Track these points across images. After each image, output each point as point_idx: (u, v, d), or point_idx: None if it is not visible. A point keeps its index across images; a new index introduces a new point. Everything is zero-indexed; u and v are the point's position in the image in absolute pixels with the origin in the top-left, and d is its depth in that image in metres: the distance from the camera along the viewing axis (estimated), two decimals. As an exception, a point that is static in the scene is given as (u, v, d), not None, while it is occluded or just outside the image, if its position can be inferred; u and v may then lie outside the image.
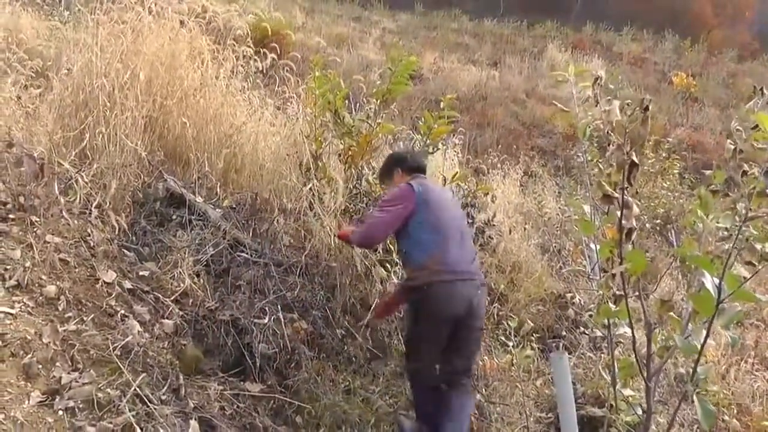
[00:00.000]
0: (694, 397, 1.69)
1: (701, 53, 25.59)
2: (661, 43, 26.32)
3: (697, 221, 1.87)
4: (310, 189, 4.77)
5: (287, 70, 5.90)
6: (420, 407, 3.93)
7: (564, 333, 5.83)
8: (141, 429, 2.72)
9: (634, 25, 27.35)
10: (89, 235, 3.82)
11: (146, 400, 2.91)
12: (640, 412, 2.05)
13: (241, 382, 3.72)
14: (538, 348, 5.10)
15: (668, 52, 25.55)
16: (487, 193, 7.07)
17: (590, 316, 5.80)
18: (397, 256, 4.64)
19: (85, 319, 3.22)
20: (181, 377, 3.31)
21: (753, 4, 30.98)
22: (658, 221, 9.63)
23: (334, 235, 4.41)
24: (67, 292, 3.30)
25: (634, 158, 1.62)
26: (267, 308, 4.13)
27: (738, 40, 28.54)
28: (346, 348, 4.42)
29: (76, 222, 3.83)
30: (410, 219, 3.86)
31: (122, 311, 3.45)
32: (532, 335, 5.13)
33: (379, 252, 4.92)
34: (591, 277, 6.33)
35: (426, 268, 3.73)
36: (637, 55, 24.76)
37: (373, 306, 4.57)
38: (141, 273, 3.93)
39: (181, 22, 5.13)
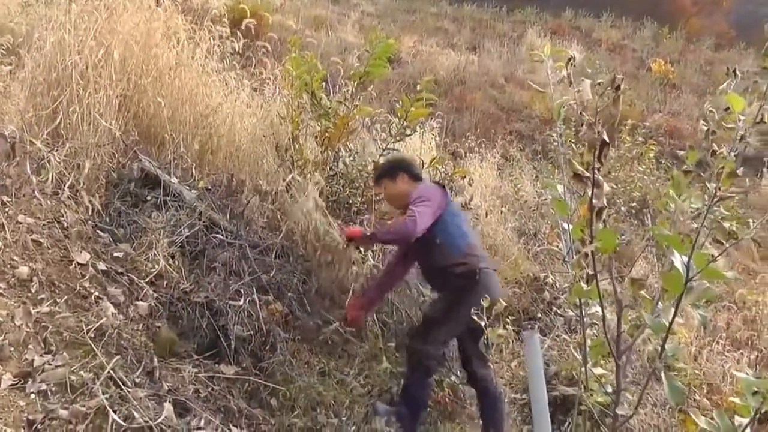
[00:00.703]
0: (662, 374, 1.71)
1: (679, 41, 25.77)
2: (639, 30, 26.44)
3: (669, 202, 1.89)
4: (286, 170, 4.74)
5: (264, 52, 5.85)
6: (411, 389, 4.01)
7: (539, 315, 5.89)
8: (114, 412, 2.69)
9: (613, 12, 27.43)
10: (62, 216, 3.77)
11: (120, 382, 2.89)
12: (610, 390, 2.07)
13: (216, 365, 3.71)
14: (514, 330, 5.14)
15: (647, 39, 25.69)
16: (465, 177, 7.09)
17: (565, 298, 5.85)
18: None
19: (58, 300, 3.19)
20: (156, 360, 3.29)
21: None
22: (634, 205, 9.73)
23: (344, 237, 4.32)
24: (39, 273, 3.26)
25: (605, 137, 1.63)
26: (242, 290, 4.10)
27: (715, 28, 28.78)
28: (321, 330, 4.42)
29: (48, 202, 3.78)
30: (443, 213, 4.03)
31: (96, 293, 3.42)
32: (507, 317, 5.16)
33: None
34: (566, 259, 6.39)
35: (470, 255, 3.97)
36: (616, 42, 24.86)
37: (347, 309, 4.50)
38: (115, 254, 3.89)
39: (157, 1, 5.05)
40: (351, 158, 5.40)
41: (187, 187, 4.66)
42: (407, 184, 4.26)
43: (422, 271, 4.50)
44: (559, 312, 5.86)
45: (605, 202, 1.70)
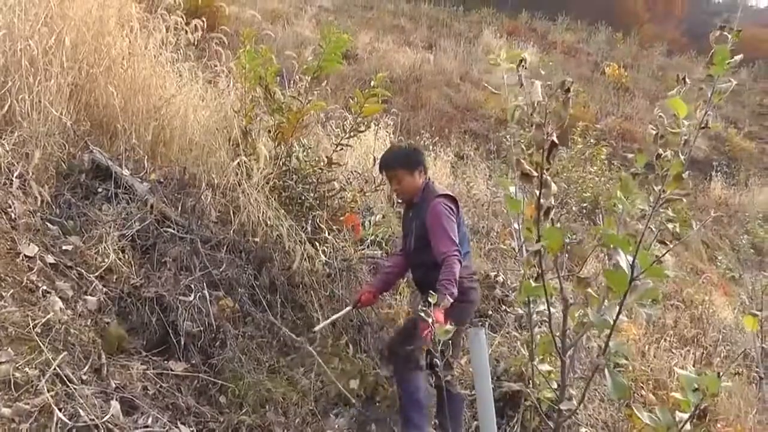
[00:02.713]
0: (606, 371, 1.76)
1: (633, 46, 26.39)
2: (594, 35, 26.99)
3: (617, 203, 1.93)
4: (239, 164, 4.70)
5: (219, 44, 5.78)
6: (412, 391, 4.00)
7: (490, 312, 5.95)
8: (60, 410, 2.64)
9: (568, 15, 27.90)
10: (10, 207, 3.68)
11: (66, 380, 2.83)
12: (555, 386, 2.11)
13: (165, 361, 3.67)
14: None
15: (601, 43, 26.26)
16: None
17: (515, 296, 5.93)
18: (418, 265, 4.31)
19: (4, 294, 3.10)
20: (104, 356, 3.23)
21: (682, 2, 32.08)
22: (586, 205, 9.92)
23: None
24: (-16, 265, 3.19)
25: (554, 138, 1.66)
26: (193, 285, 4.07)
27: (668, 35, 29.54)
28: (272, 326, 4.39)
29: (-5, 192, 3.69)
30: None
31: (44, 287, 3.34)
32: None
33: (308, 231, 4.89)
34: (518, 257, 6.46)
35: (464, 277, 3.92)
36: (571, 45, 25.32)
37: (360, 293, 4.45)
38: (64, 247, 3.80)
39: (111, -13, 4.97)
40: (304, 153, 5.36)
41: (139, 180, 4.60)
42: (422, 176, 4.18)
43: (416, 278, 4.40)
44: (509, 310, 5.93)
45: (553, 202, 1.74)
